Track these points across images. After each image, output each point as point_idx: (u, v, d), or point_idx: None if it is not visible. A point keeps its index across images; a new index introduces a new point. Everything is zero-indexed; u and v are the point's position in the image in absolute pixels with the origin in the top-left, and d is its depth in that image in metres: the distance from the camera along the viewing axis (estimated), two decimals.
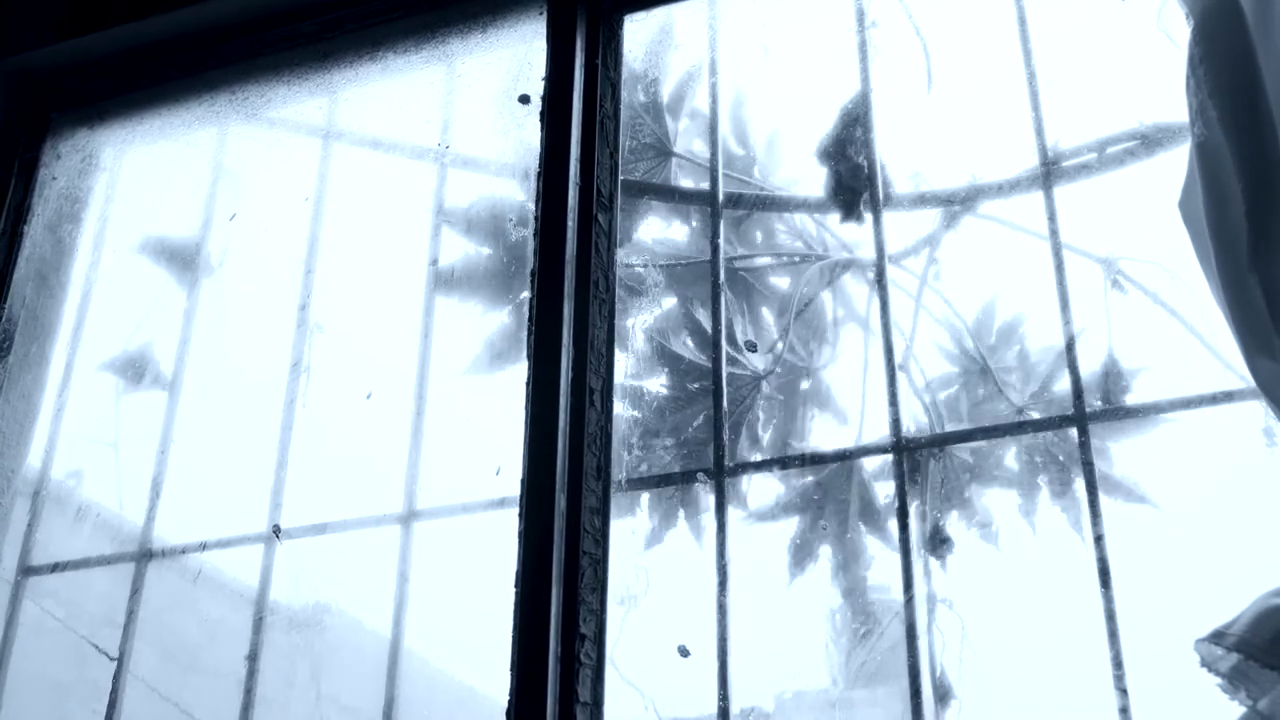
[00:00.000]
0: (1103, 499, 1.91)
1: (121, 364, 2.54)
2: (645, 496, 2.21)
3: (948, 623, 1.90)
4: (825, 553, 2.22)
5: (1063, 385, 2.11)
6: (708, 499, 2.17)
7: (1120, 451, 2.00)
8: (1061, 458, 2.10)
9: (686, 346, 2.39)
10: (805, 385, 2.37)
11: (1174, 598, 1.75)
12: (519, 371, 2.09)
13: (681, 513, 2.21)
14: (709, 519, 2.13)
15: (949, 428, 2.21)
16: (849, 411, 2.29)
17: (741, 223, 2.52)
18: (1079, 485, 2.05)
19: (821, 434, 2.36)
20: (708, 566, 1.96)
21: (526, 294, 2.18)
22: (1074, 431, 1.92)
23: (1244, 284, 1.62)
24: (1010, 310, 2.29)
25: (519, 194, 2.35)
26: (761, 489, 2.21)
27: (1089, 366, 2.00)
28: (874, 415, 2.12)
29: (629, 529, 2.13)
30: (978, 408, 2.22)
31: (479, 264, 2.41)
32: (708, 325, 2.33)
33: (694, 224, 2.52)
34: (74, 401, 2.52)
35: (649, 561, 2.05)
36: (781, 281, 2.48)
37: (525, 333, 2.10)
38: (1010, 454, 2.14)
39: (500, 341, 2.40)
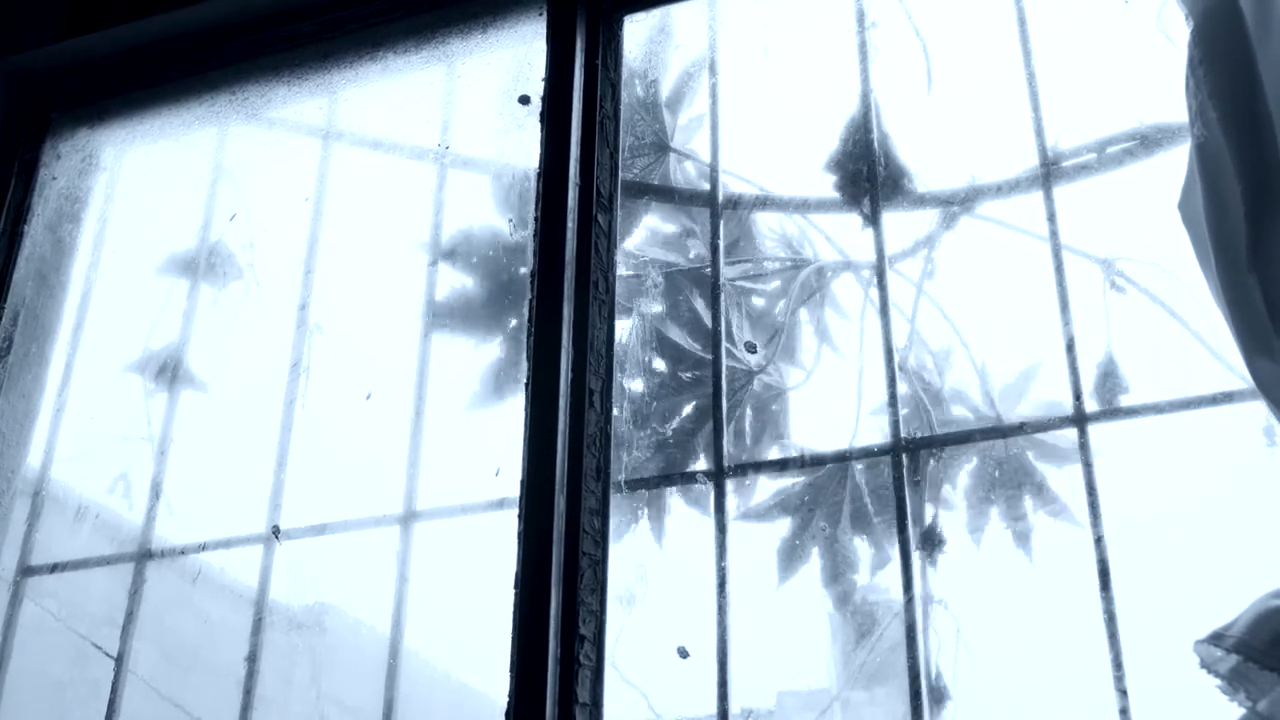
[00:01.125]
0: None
1: (121, 364, 2.54)
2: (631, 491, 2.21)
3: (944, 624, 1.90)
4: (815, 554, 2.22)
5: (1023, 408, 2.13)
6: (671, 502, 2.17)
7: (1060, 476, 2.01)
8: (1024, 475, 2.11)
9: (683, 335, 2.39)
10: (775, 406, 2.37)
11: (1174, 599, 1.75)
12: (517, 399, 2.09)
13: (645, 513, 2.21)
14: (671, 522, 2.14)
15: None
16: (818, 432, 2.28)
17: (741, 225, 2.51)
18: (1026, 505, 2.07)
19: (794, 449, 2.36)
20: (707, 568, 1.96)
21: (516, 322, 2.18)
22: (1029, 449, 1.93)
23: (1243, 285, 1.62)
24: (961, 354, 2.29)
25: (515, 198, 2.35)
26: (744, 492, 2.20)
27: (1090, 366, 2.00)
28: (857, 418, 2.13)
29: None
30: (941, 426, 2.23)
31: (468, 297, 2.42)
32: (705, 320, 2.33)
33: (686, 221, 2.52)
34: (74, 401, 2.52)
35: (637, 558, 2.04)
36: (760, 301, 2.47)
37: (519, 358, 2.10)
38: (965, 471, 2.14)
39: (497, 373, 2.40)
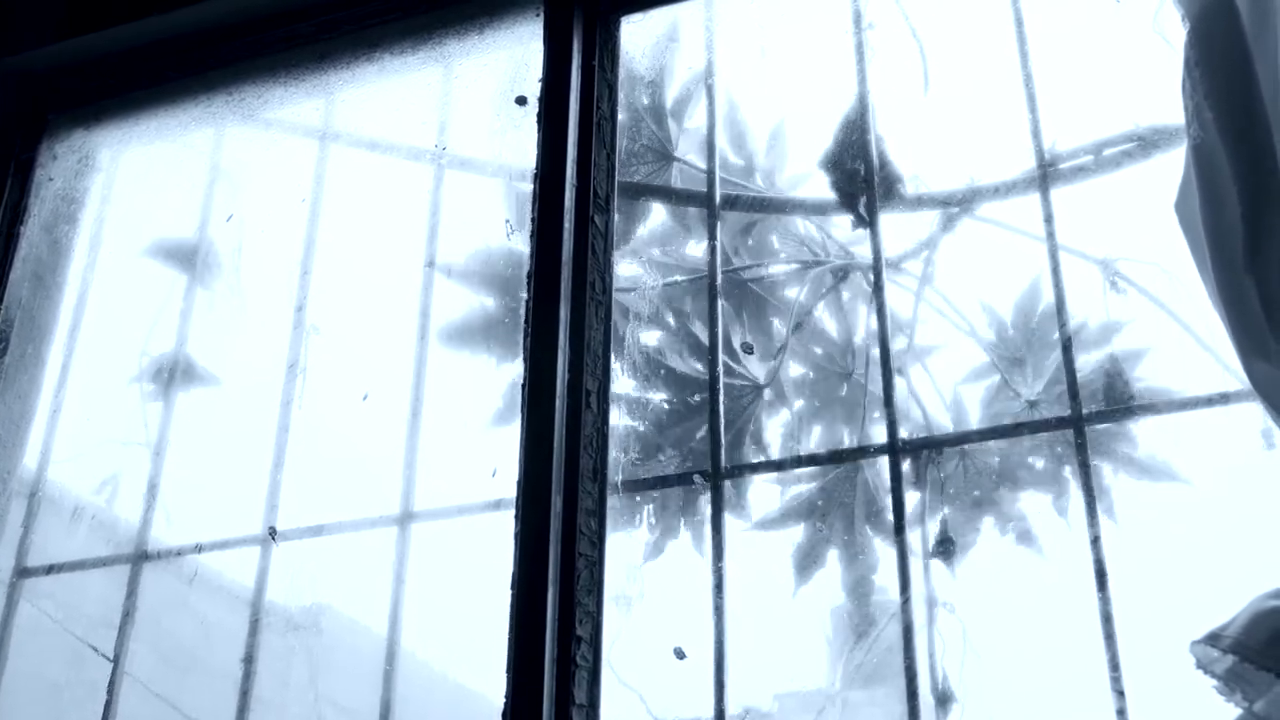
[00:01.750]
0: (1131, 484, 1.91)
1: (117, 365, 2.54)
2: (648, 508, 2.20)
3: (949, 626, 1.90)
4: (833, 557, 2.22)
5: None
6: (708, 509, 2.17)
7: (1142, 432, 1.99)
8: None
9: (686, 361, 2.39)
10: (844, 390, 2.36)
11: (1171, 599, 1.75)
12: None
13: (682, 522, 2.21)
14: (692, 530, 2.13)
15: (972, 424, 2.20)
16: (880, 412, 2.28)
17: (752, 231, 2.51)
18: (1105, 473, 2.05)
19: (871, 434, 2.34)
20: (705, 569, 1.96)
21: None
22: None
23: (1239, 286, 1.62)
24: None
25: (514, 197, 2.35)
26: (767, 496, 2.20)
27: (1088, 367, 2.00)
28: (863, 419, 2.13)
29: (631, 539, 2.13)
30: (1007, 405, 2.21)
31: (482, 317, 2.41)
32: (704, 337, 2.33)
33: (694, 242, 2.52)
34: (70, 402, 2.52)
35: (633, 559, 2.05)
36: (794, 293, 2.47)
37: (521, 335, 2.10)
38: (1029, 454, 2.13)
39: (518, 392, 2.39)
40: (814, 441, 2.36)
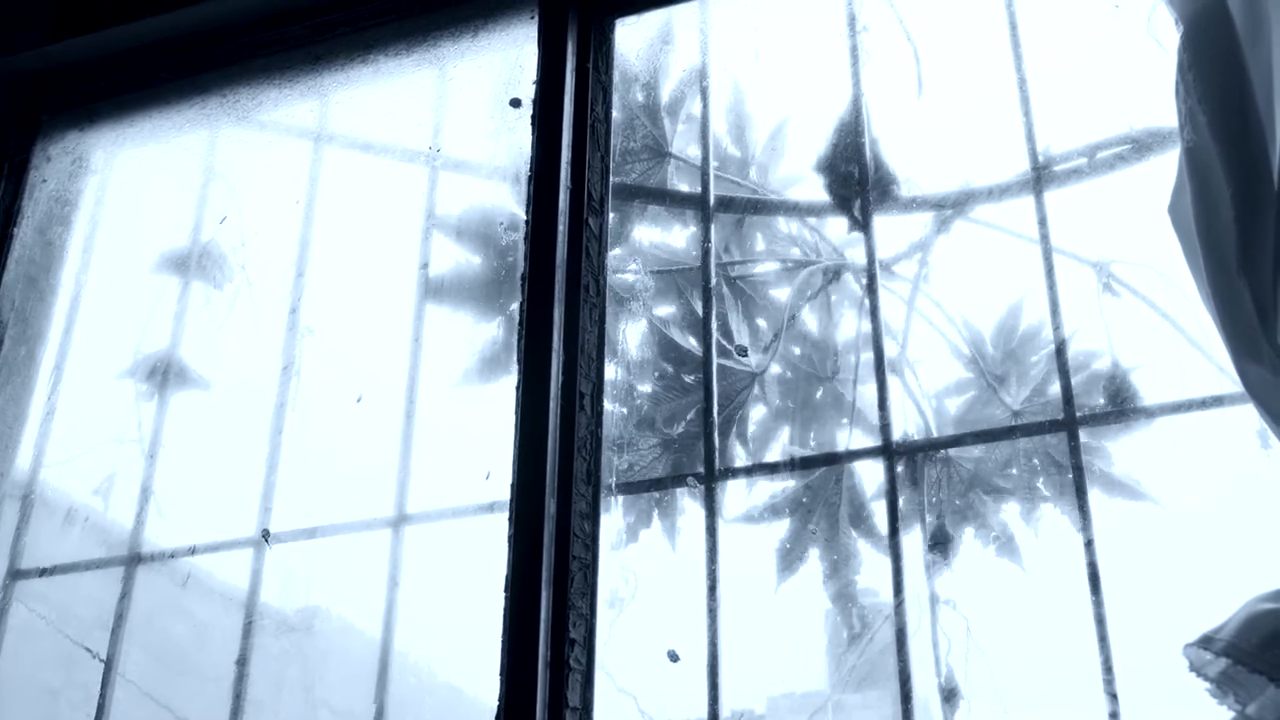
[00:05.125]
0: (1104, 499, 1.92)
1: (111, 367, 2.53)
2: (621, 497, 2.20)
3: (949, 624, 1.90)
4: (814, 556, 2.21)
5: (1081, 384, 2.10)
6: (683, 502, 2.17)
7: (1119, 450, 2.00)
8: (1060, 459, 2.09)
9: (684, 337, 2.39)
10: (819, 393, 2.36)
11: (1163, 602, 1.75)
12: (510, 381, 2.08)
13: (656, 513, 2.20)
14: (685, 521, 2.13)
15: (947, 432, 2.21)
16: (868, 415, 2.28)
17: (741, 226, 2.51)
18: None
19: (837, 439, 2.35)
20: (697, 571, 1.96)
21: (517, 305, 2.18)
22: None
23: (1232, 288, 1.62)
24: (1036, 314, 2.27)
25: (509, 198, 2.35)
26: (746, 493, 2.20)
27: (1082, 370, 2.00)
28: (851, 420, 2.12)
29: (607, 526, 2.12)
30: (989, 412, 2.21)
31: (469, 273, 2.41)
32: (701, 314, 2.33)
33: (692, 229, 2.52)
34: (64, 405, 2.52)
35: (627, 561, 2.04)
36: (780, 293, 2.48)
37: (515, 340, 2.09)
38: (1007, 461, 2.13)
39: (491, 352, 2.39)
40: (782, 441, 2.36)
